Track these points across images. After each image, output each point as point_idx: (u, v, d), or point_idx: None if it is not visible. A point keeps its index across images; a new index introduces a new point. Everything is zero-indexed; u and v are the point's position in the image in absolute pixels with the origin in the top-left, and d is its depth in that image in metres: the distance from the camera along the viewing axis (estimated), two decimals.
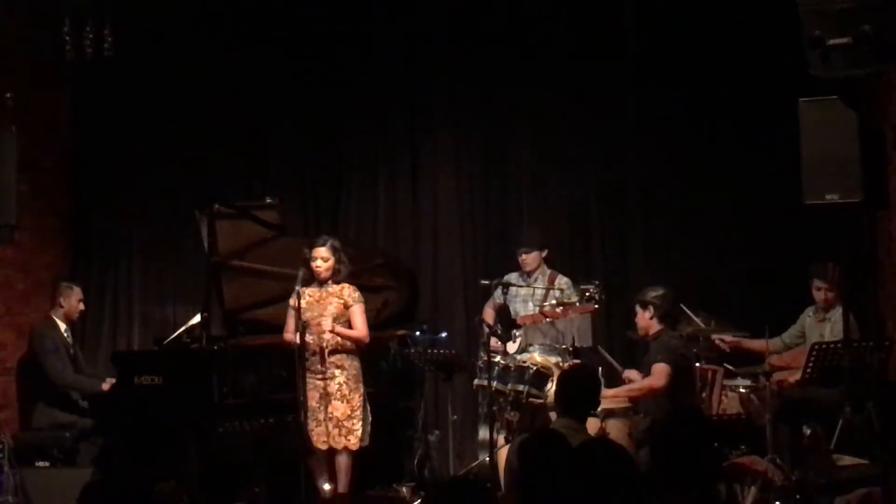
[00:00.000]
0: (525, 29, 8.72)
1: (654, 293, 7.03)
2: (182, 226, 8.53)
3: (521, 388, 7.03)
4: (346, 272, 7.05)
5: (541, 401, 7.03)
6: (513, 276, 7.78)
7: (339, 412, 6.86)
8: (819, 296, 7.41)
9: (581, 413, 5.37)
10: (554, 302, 7.43)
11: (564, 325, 7.47)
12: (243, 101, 8.83)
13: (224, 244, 7.61)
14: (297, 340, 6.73)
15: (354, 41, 8.87)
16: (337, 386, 6.89)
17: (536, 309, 7.52)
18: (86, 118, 9.10)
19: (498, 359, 7.20)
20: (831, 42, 4.87)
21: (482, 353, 7.26)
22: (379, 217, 9.01)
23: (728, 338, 7.50)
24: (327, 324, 6.85)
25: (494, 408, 7.04)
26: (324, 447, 6.88)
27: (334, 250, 6.99)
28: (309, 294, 6.96)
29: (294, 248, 7.30)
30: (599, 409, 6.37)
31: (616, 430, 6.76)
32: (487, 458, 6.99)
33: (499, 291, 7.67)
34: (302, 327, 6.74)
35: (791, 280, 7.72)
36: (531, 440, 4.56)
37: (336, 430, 6.86)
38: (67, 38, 6.54)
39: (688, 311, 7.38)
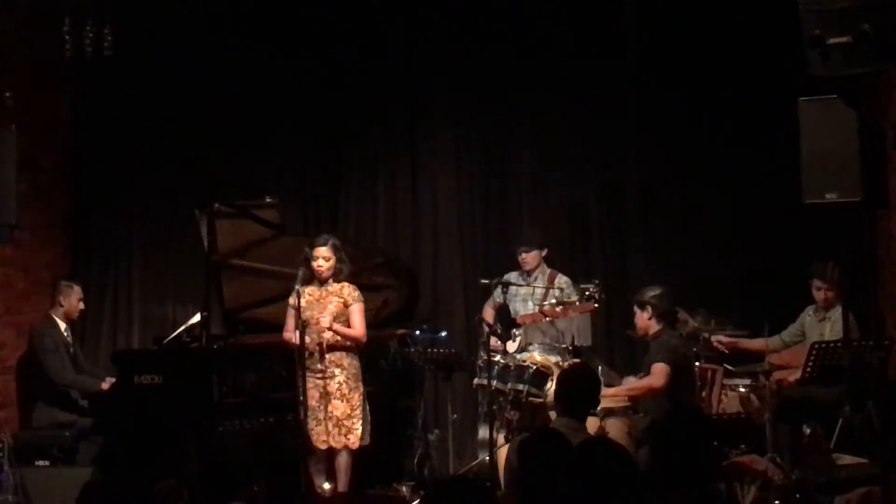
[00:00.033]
0: (525, 29, 8.71)
1: (651, 293, 7.03)
2: (182, 225, 8.53)
3: (520, 387, 7.02)
4: (347, 271, 7.04)
5: (540, 400, 7.02)
6: (512, 276, 7.78)
7: (338, 411, 6.86)
8: (819, 295, 7.40)
9: (581, 412, 5.36)
10: (554, 301, 7.42)
11: (564, 324, 7.48)
12: (243, 100, 8.83)
13: (224, 243, 7.61)
14: (297, 339, 6.72)
15: (354, 41, 8.87)
16: (337, 385, 6.89)
17: (536, 308, 7.51)
18: (86, 118, 9.09)
19: (498, 358, 7.19)
20: (831, 41, 4.86)
21: (482, 353, 7.26)
22: (379, 216, 9.01)
23: (724, 339, 7.49)
24: (325, 321, 6.84)
25: (494, 407, 7.04)
26: (323, 446, 6.87)
27: (335, 249, 6.99)
28: (309, 293, 6.96)
29: (294, 247, 7.30)
30: (599, 408, 6.36)
31: (616, 429, 6.75)
32: (487, 458, 6.99)
33: (498, 290, 7.66)
34: (302, 326, 6.74)
35: (791, 279, 7.72)
36: (531, 439, 4.55)
37: (336, 430, 6.86)
38: (67, 37, 6.53)
39: (685, 315, 7.36)
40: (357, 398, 6.92)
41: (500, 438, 7.02)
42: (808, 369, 6.97)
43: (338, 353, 6.93)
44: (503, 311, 7.63)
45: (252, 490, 6.44)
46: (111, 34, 6.58)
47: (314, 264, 6.95)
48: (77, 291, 8.11)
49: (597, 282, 7.47)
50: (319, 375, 6.90)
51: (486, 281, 7.71)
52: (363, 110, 8.97)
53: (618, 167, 8.77)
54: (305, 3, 8.79)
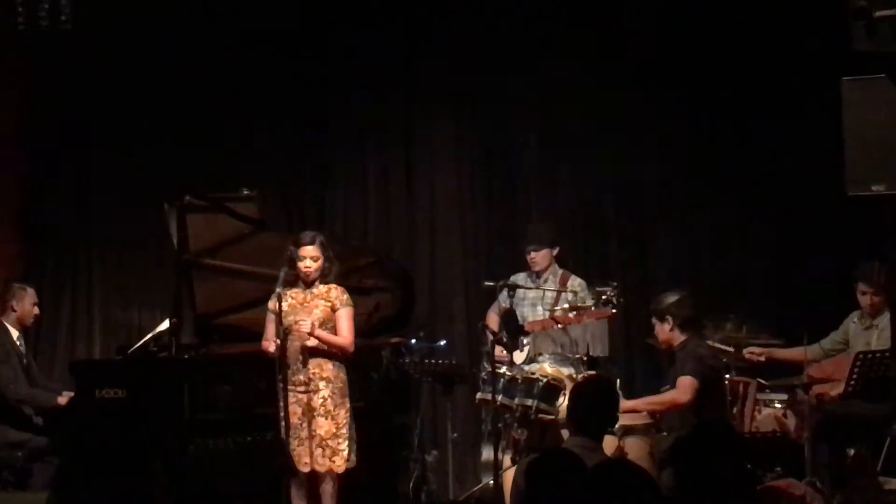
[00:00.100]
0: (532, 4, 8.73)
1: (669, 300, 6.99)
2: (149, 219, 8.51)
3: (529, 402, 7.03)
4: (336, 272, 7.05)
5: (551, 417, 7.02)
6: (520, 277, 7.78)
7: (322, 430, 6.85)
8: (864, 301, 7.40)
9: (597, 430, 5.36)
10: (566, 306, 7.43)
11: (578, 331, 7.47)
12: (219, 81, 8.84)
13: (196, 240, 7.60)
14: (276, 348, 6.73)
15: (344, 16, 8.87)
16: (321, 400, 6.88)
17: (547, 314, 7.52)
18: (40, 99, 9.08)
19: (503, 370, 7.20)
20: (878, 14, 4.87)
21: (486, 364, 7.26)
22: (370, 210, 9.03)
23: (757, 348, 7.50)
24: (306, 326, 6.84)
25: (500, 425, 7.03)
26: (306, 469, 6.86)
27: (323, 248, 6.99)
28: (291, 296, 6.96)
29: (274, 244, 7.29)
30: (617, 425, 6.36)
31: (636, 449, 6.76)
32: (491, 482, 6.99)
33: (504, 294, 7.65)
34: (283, 334, 6.73)
35: (833, 281, 7.73)
36: (541, 461, 4.54)
37: (319, 451, 6.85)
38: (21, 8, 6.51)
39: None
40: (343, 415, 6.92)
41: (506, 460, 7.02)
42: (852, 382, 6.97)
43: (323, 364, 6.92)
44: (509, 317, 7.63)
45: None
46: (69, 5, 6.57)
47: (301, 265, 6.95)
48: (31, 294, 8.10)
49: (614, 284, 7.48)
50: (302, 389, 6.89)
51: (491, 283, 7.71)
52: (353, 92, 8.99)
53: (638, 158, 8.79)
54: None
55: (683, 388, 6.80)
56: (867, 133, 5.90)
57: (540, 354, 7.56)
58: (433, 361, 7.77)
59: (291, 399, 6.83)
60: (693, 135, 8.63)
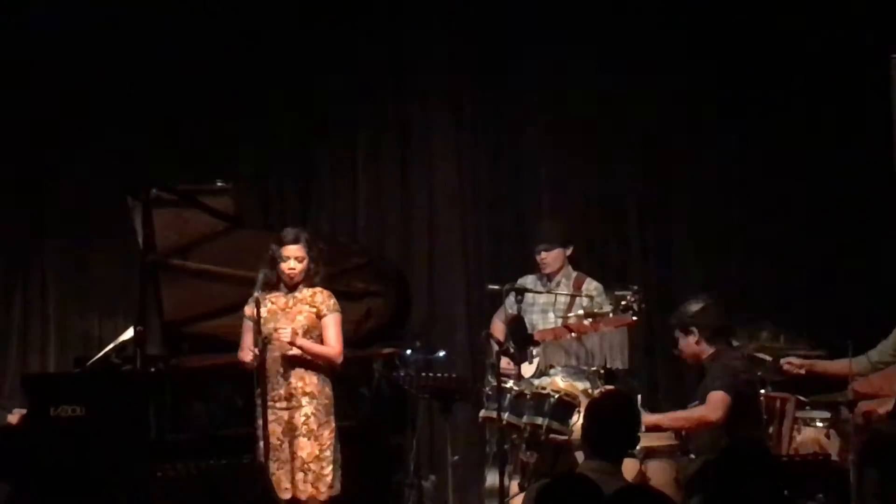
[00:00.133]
0: None
1: (692, 310, 6.98)
2: (110, 215, 8.52)
3: (539, 421, 7.01)
4: (323, 274, 7.06)
5: (564, 437, 7.01)
6: (529, 280, 7.78)
7: (304, 452, 6.85)
8: None
9: (615, 453, 5.35)
10: (581, 312, 7.41)
11: (594, 341, 7.46)
12: (188, 58, 8.86)
13: (164, 238, 7.62)
14: (254, 359, 6.72)
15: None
16: (304, 418, 6.88)
17: (559, 321, 7.51)
18: None
19: (510, 384, 7.19)
20: None
21: (490, 377, 7.25)
22: (359, 206, 9.04)
23: (797, 360, 7.49)
24: (286, 334, 6.84)
25: (506, 446, 7.04)
26: (287, 495, 6.86)
27: (308, 247, 7.00)
28: (271, 301, 6.96)
29: (252, 243, 7.30)
30: (639, 447, 6.35)
31: (659, 473, 6.76)
32: None
33: (511, 299, 7.65)
34: (262, 343, 6.73)
35: (880, 285, 7.74)
36: (552, 487, 4.54)
37: (301, 475, 6.86)
38: None
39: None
40: (327, 436, 6.92)
41: (514, 486, 7.02)
42: None
43: (306, 378, 6.92)
44: (517, 325, 7.62)
45: None
46: None
47: (284, 266, 6.95)
48: None
49: (635, 288, 7.45)
50: (283, 405, 6.89)
51: (496, 286, 7.70)
52: (339, 70, 8.99)
53: (661, 144, 8.80)
54: None
55: (714, 404, 6.78)
56: None
57: (551, 367, 7.55)
58: (431, 375, 7.75)
59: (271, 417, 6.82)
60: (723, 124, 8.63)
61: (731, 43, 8.54)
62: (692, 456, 6.95)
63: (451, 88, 9.04)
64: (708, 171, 8.78)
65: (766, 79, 8.47)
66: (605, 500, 4.29)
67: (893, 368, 7.40)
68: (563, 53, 8.85)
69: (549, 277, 7.79)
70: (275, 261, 6.98)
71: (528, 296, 7.62)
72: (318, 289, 7.04)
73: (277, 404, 6.89)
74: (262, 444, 6.73)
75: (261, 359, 6.73)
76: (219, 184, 7.77)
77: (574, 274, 7.82)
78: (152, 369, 7.44)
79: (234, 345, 7.11)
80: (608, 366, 7.45)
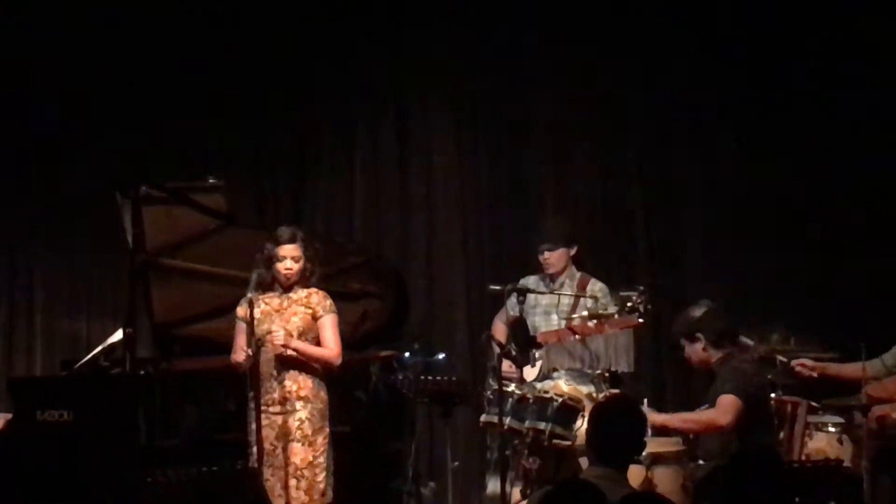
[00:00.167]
0: None
1: (695, 317, 6.98)
2: (99, 213, 8.51)
3: (542, 426, 7.01)
4: (319, 274, 7.04)
5: (568, 443, 7.01)
6: (531, 281, 7.78)
7: (298, 458, 6.85)
8: None
9: (621, 459, 5.35)
10: (585, 314, 7.40)
11: (599, 343, 7.45)
12: (179, 50, 8.87)
13: (154, 237, 7.62)
14: (247, 360, 6.70)
15: None
16: (298, 422, 6.87)
17: (562, 323, 7.50)
18: None
19: (512, 388, 7.18)
20: None
21: (491, 381, 7.25)
22: (356, 203, 9.04)
23: (809, 363, 7.48)
24: (280, 336, 6.83)
25: (507, 452, 7.05)
26: (280, 502, 6.86)
27: (304, 246, 6.99)
28: (265, 302, 6.95)
29: (245, 242, 7.29)
30: (645, 453, 6.34)
31: (666, 480, 6.73)
32: None
33: (513, 300, 7.64)
34: (255, 346, 6.71)
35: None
36: (556, 494, 4.54)
37: (294, 482, 6.85)
38: None
39: (746, 341, 7.36)
40: (321, 441, 6.91)
41: (516, 493, 7.02)
42: None
43: (301, 381, 6.91)
44: (519, 327, 7.61)
45: None
46: None
47: (280, 266, 6.94)
48: None
49: (641, 289, 7.43)
50: (277, 409, 6.88)
51: (497, 287, 7.69)
52: (335, 65, 8.99)
53: (668, 140, 8.79)
54: None
55: (724, 407, 6.77)
56: None
57: (554, 370, 7.54)
58: (430, 378, 7.77)
59: (264, 421, 6.81)
60: (734, 116, 8.63)
61: (730, 43, 8.54)
62: (700, 461, 6.93)
63: (451, 88, 9.03)
64: (716, 167, 8.77)
65: (766, 79, 8.46)
66: None
67: None
68: (563, 53, 8.85)
69: (553, 278, 7.79)
70: (270, 260, 6.97)
71: (531, 297, 7.62)
72: (314, 290, 7.03)
73: (271, 408, 6.88)
74: (255, 449, 6.71)
75: (254, 361, 6.71)
76: (210, 181, 7.77)
77: (578, 274, 7.82)
78: (142, 372, 7.44)
79: (227, 347, 7.09)
80: (613, 369, 7.44)
